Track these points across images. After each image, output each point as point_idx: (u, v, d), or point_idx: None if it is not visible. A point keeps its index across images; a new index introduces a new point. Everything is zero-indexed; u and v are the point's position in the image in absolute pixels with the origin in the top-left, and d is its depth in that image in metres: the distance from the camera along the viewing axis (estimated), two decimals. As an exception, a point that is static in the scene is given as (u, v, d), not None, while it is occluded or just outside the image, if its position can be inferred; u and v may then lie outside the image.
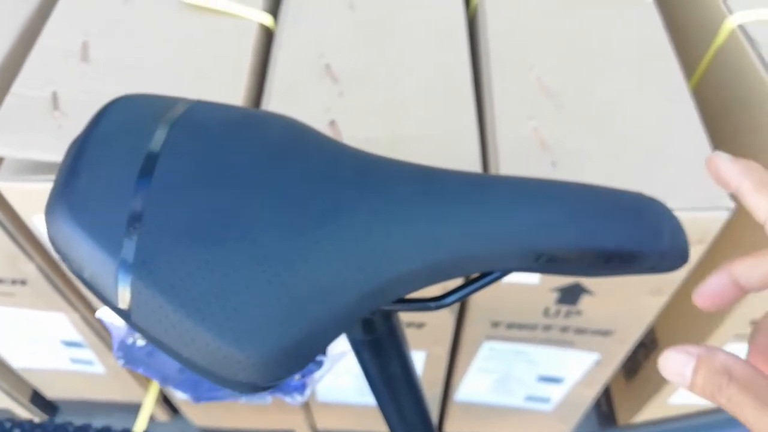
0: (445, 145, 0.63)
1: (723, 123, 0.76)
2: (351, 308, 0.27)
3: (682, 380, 0.25)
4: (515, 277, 0.67)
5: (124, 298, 0.25)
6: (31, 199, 0.62)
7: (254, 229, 0.27)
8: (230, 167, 0.29)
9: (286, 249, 0.27)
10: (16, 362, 0.98)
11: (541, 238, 0.29)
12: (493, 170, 0.62)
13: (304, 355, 0.26)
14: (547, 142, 0.63)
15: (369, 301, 0.28)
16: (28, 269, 0.76)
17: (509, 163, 0.62)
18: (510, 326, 0.76)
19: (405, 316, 0.75)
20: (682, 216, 0.34)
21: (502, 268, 0.31)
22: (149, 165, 0.28)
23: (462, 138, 0.64)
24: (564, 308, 0.72)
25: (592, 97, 0.67)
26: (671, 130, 0.64)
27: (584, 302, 0.70)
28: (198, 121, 0.31)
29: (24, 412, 1.06)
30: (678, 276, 0.66)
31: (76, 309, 0.84)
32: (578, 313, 0.72)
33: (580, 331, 0.76)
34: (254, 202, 0.28)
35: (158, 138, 0.29)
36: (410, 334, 0.78)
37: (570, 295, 0.70)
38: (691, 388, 0.24)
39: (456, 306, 0.73)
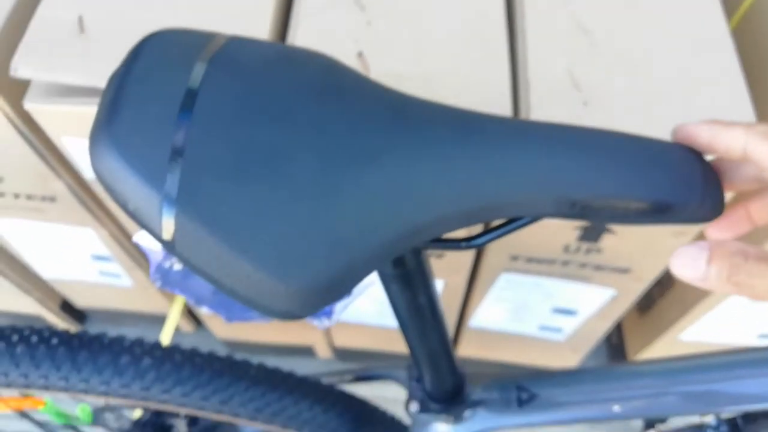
0: (476, 82, 0.62)
1: (760, 68, 0.72)
2: (388, 247, 0.28)
3: (695, 272, 0.26)
4: (539, 213, 0.68)
5: (168, 230, 0.26)
6: (60, 121, 0.63)
7: (295, 165, 0.28)
8: (269, 104, 0.29)
9: (327, 185, 0.27)
10: (46, 273, 1.02)
11: (578, 186, 0.29)
12: (523, 108, 0.60)
13: (341, 288, 0.28)
14: (579, 81, 0.61)
15: (405, 241, 0.29)
16: (57, 187, 0.77)
17: (540, 102, 0.60)
18: (529, 260, 0.77)
19: (426, 246, 0.77)
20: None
21: (535, 214, 0.31)
22: (189, 101, 0.28)
23: (493, 75, 0.62)
24: (584, 245, 0.72)
25: (628, 37, 0.65)
26: (709, 77, 0.62)
27: (605, 240, 0.70)
28: (235, 58, 0.30)
29: (54, 319, 1.12)
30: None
31: (104, 225, 0.86)
32: (598, 250, 0.73)
33: (598, 267, 0.76)
34: (294, 139, 0.28)
35: (197, 74, 0.29)
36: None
37: (592, 234, 0.70)
38: (704, 278, 0.26)
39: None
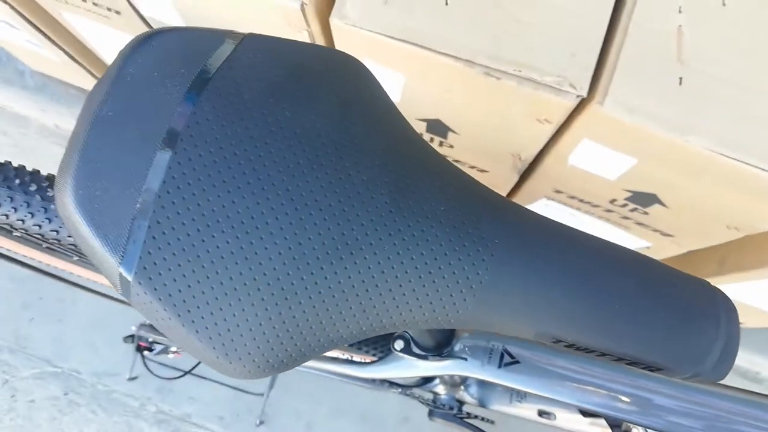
0: (568, 28, 0.53)
1: None
2: (338, 342, 0.28)
3: None
4: (590, 167, 0.63)
5: (125, 291, 0.26)
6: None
7: (262, 251, 0.26)
8: (257, 162, 0.26)
9: (292, 279, 0.26)
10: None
11: (559, 332, 0.28)
12: (606, 74, 0.53)
13: (292, 365, 0.28)
14: (685, 50, 0.52)
15: (360, 337, 0.29)
16: (120, 2, 0.76)
17: (628, 66, 0.52)
18: (572, 197, 0.74)
19: (471, 159, 0.74)
20: None
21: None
22: (169, 144, 0.26)
23: (588, 23, 0.53)
24: (632, 205, 0.68)
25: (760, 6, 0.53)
26: None
27: (655, 209, 0.66)
28: (237, 80, 0.27)
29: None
30: (766, 222, 0.61)
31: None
32: (645, 213, 0.69)
33: (640, 224, 0.73)
34: (269, 217, 0.26)
35: (183, 110, 0.26)
36: (472, 175, 0.77)
37: (643, 200, 0.66)
38: None
39: (522, 164, 0.71)
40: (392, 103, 0.31)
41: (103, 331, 1.20)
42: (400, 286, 0.27)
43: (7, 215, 0.55)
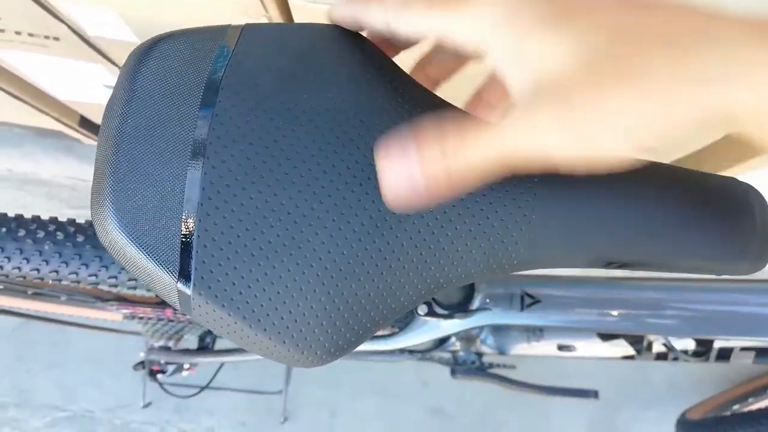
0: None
1: None
2: (402, 309, 0.28)
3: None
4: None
5: (186, 308, 0.26)
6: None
7: (313, 236, 0.26)
8: (287, 156, 0.26)
9: (347, 258, 0.26)
10: (62, 96, 1.01)
11: (613, 254, 0.29)
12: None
13: (360, 342, 0.29)
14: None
15: (420, 301, 0.29)
16: (60, 29, 0.73)
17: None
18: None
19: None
20: None
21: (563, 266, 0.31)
22: (198, 156, 0.25)
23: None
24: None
25: None
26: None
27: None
28: (249, 68, 0.27)
29: (75, 134, 1.13)
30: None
31: (113, 63, 0.82)
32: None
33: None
34: (312, 203, 0.26)
35: (204, 119, 0.26)
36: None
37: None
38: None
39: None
40: (396, 63, 0.31)
41: (105, 365, 1.18)
42: (453, 243, 0.28)
43: (1, 266, 0.53)
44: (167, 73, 0.27)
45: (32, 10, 0.68)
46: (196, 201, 0.25)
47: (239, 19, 0.57)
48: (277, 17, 0.56)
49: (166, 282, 0.25)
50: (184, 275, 0.25)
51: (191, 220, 0.25)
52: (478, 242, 0.28)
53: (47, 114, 1.03)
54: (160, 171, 0.25)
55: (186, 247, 0.25)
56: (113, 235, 0.25)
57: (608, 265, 0.29)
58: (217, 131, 0.26)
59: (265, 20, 0.57)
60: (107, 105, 0.27)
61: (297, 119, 0.26)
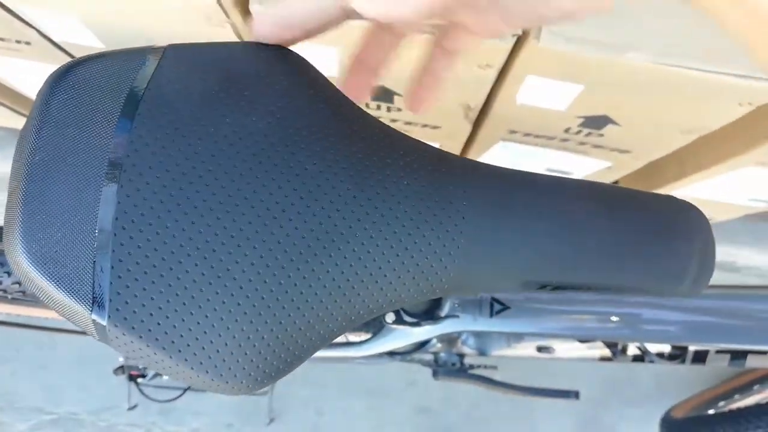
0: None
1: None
2: (334, 335, 0.28)
3: None
4: (540, 101, 0.64)
5: (104, 339, 0.25)
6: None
7: (234, 265, 0.25)
8: (206, 183, 0.25)
9: (270, 286, 0.26)
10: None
11: (545, 276, 0.28)
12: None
13: (289, 370, 0.28)
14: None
15: (352, 326, 0.28)
16: (30, 33, 0.72)
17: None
18: (527, 135, 0.75)
19: (421, 119, 0.74)
20: None
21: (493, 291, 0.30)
22: (112, 178, 0.24)
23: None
24: (586, 130, 0.69)
25: None
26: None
27: (609, 129, 0.67)
28: (169, 92, 0.26)
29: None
30: (717, 120, 0.62)
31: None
32: (600, 135, 0.70)
33: (598, 146, 0.74)
34: (232, 230, 0.25)
35: (120, 140, 0.25)
36: (425, 133, 0.77)
37: (596, 123, 0.66)
38: None
39: (473, 112, 0.71)
40: (333, 85, 0.30)
41: (90, 367, 1.17)
42: (380, 268, 0.27)
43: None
44: (81, 99, 0.25)
45: (1, 15, 0.67)
46: (109, 230, 0.24)
47: (201, 26, 0.56)
48: (239, 23, 0.55)
49: (80, 313, 0.24)
50: (98, 306, 0.24)
51: (105, 251, 0.24)
52: (406, 267, 0.27)
53: (26, 116, 1.02)
54: (71, 201, 0.24)
55: (99, 278, 0.24)
56: (24, 268, 0.24)
57: (542, 287, 0.28)
58: (132, 158, 0.25)
59: (228, 27, 0.56)
60: (20, 134, 0.26)
61: (217, 144, 0.25)
